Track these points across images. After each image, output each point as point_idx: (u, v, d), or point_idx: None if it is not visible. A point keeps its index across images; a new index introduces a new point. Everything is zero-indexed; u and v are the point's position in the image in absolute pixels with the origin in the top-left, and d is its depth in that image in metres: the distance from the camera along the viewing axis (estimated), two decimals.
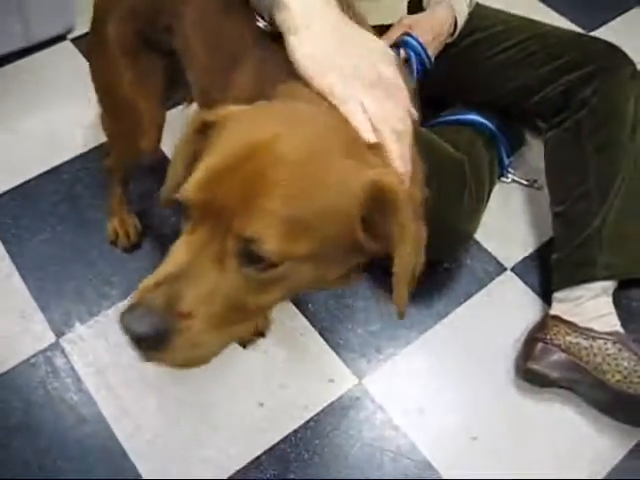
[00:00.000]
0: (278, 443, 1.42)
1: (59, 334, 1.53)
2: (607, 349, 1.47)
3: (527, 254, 1.74)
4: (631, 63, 1.63)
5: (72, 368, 1.48)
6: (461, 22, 1.64)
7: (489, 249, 1.74)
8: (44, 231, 1.67)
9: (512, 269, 1.71)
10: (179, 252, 0.76)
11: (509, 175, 1.86)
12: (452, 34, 1.64)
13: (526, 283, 1.69)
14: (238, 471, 1.38)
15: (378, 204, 0.78)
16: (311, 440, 1.43)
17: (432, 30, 1.53)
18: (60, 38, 2.01)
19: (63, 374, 1.47)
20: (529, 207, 1.82)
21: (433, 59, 1.54)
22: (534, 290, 1.68)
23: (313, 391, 1.50)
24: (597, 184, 1.57)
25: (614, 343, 1.47)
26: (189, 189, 0.75)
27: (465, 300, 1.65)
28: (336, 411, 1.48)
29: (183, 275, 0.73)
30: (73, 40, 2.03)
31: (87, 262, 1.64)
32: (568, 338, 1.50)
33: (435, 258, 1.57)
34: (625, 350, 1.46)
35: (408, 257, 0.79)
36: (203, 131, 0.83)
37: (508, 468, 1.42)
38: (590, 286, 1.53)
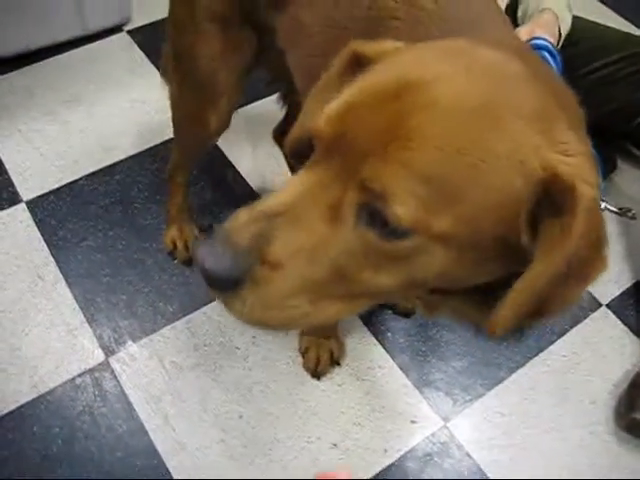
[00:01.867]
0: None
1: (109, 352, 1.36)
2: None
3: (623, 289, 1.58)
4: None
5: (122, 392, 1.31)
6: (564, 31, 1.50)
7: None
8: (94, 236, 1.51)
9: (607, 305, 1.55)
10: (289, 188, 0.61)
11: (601, 202, 1.69)
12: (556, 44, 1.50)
13: (623, 321, 1.52)
14: None
15: (551, 199, 0.58)
16: None
17: (551, 34, 1.38)
18: (116, 29, 1.87)
19: (112, 398, 1.30)
20: (623, 238, 1.66)
21: None
22: (632, 329, 1.51)
23: (393, 433, 1.32)
24: None
25: None
26: (321, 119, 0.62)
27: (558, 337, 1.48)
28: (419, 457, 1.30)
29: (284, 215, 0.60)
30: (129, 32, 1.89)
31: (141, 272, 1.47)
32: None
33: None
34: None
35: (544, 272, 0.58)
36: (352, 67, 0.69)
37: None
38: None
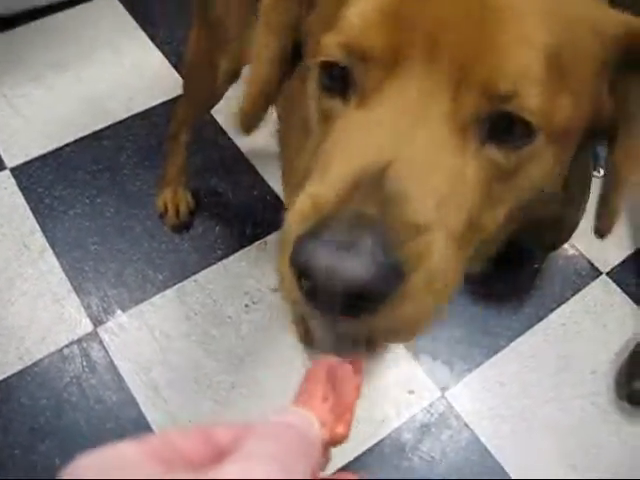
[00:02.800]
0: (351, 462, 1.22)
1: (97, 322, 1.32)
2: None
3: (624, 257, 1.54)
4: None
5: (111, 362, 1.27)
6: None
7: (582, 250, 1.54)
8: (81, 203, 1.46)
9: (608, 274, 1.52)
10: (363, 133, 0.46)
11: (600, 170, 1.66)
12: None
13: (624, 290, 1.49)
14: None
15: (633, 55, 0.52)
16: (388, 459, 1.23)
17: None
18: None
19: (101, 369, 1.27)
20: (624, 205, 1.62)
21: None
22: (633, 298, 1.48)
23: (391, 403, 1.29)
24: None
25: None
26: (361, 26, 0.46)
27: (557, 306, 1.45)
28: (416, 428, 1.28)
29: (399, 163, 0.44)
30: None
31: (130, 240, 1.43)
32: None
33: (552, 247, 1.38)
34: None
35: None
36: None
37: None
38: None
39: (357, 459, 1.22)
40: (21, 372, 1.26)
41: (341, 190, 0.43)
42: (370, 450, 1.23)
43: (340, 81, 0.49)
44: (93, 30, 1.74)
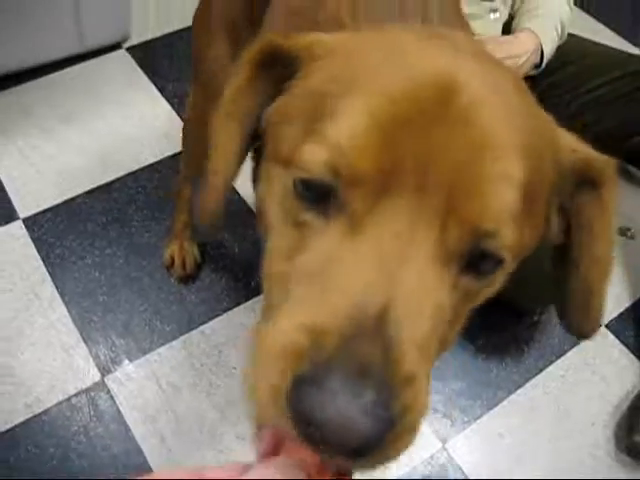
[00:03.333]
0: None
1: (105, 372, 1.34)
2: None
3: (622, 310, 1.57)
4: None
5: (118, 412, 1.30)
6: (548, 51, 1.51)
7: None
8: (91, 254, 1.49)
9: (606, 326, 1.54)
10: (355, 265, 0.45)
11: None
12: (539, 64, 1.52)
13: (622, 342, 1.52)
14: None
15: (582, 178, 0.56)
16: None
17: (502, 50, 1.41)
18: (115, 46, 1.86)
19: (108, 418, 1.29)
20: (622, 258, 1.65)
21: None
22: (631, 350, 1.50)
23: None
24: None
25: None
26: (351, 149, 0.46)
27: (557, 358, 1.47)
28: (418, 478, 1.29)
29: (397, 307, 0.44)
30: (128, 49, 1.88)
31: (138, 291, 1.46)
32: None
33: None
34: None
35: (608, 246, 0.58)
36: (266, 69, 0.56)
37: None
38: None
39: None
40: (29, 420, 1.27)
41: (341, 328, 0.43)
42: None
43: (319, 194, 0.48)
44: (103, 84, 1.80)
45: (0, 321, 1.39)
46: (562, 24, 1.57)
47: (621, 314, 1.56)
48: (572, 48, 1.64)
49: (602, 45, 1.69)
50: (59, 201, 1.57)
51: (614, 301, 1.58)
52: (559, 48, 1.59)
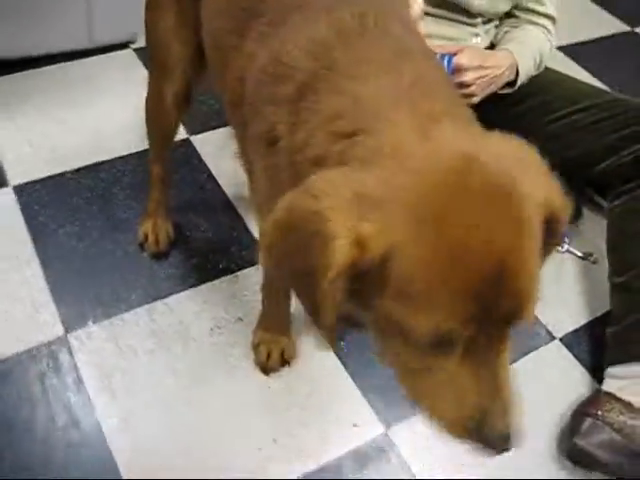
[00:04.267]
0: None
1: (68, 329, 1.40)
2: None
3: (578, 326, 1.62)
4: None
5: (75, 366, 1.35)
6: (523, 73, 1.61)
7: (538, 315, 1.61)
8: (72, 225, 1.58)
9: (561, 339, 1.58)
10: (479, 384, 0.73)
11: (564, 245, 1.76)
12: (513, 84, 1.62)
13: (575, 356, 1.55)
14: None
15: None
16: None
17: (478, 58, 1.51)
18: (123, 46, 1.99)
19: (64, 371, 1.34)
20: (583, 280, 1.71)
21: (478, 92, 1.54)
22: (583, 364, 1.54)
23: (334, 434, 1.34)
24: None
25: None
26: (455, 318, 0.67)
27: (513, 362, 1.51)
28: (357, 460, 1.32)
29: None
30: (135, 50, 2.01)
31: (111, 262, 1.53)
32: (622, 418, 1.35)
33: None
34: None
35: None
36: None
37: None
38: None
39: None
40: None
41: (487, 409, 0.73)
42: (310, 474, 1.28)
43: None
44: (105, 77, 1.93)
45: None
46: (541, 56, 1.67)
47: (576, 330, 1.60)
48: (546, 78, 1.74)
49: (572, 78, 1.79)
50: (48, 174, 1.67)
51: (571, 317, 1.63)
52: (535, 77, 1.69)
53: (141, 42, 2.01)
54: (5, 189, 1.63)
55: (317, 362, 1.44)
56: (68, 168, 1.69)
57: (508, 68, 1.58)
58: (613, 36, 2.65)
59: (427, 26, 1.54)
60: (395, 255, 0.66)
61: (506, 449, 0.76)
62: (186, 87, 1.31)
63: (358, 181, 0.67)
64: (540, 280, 0.70)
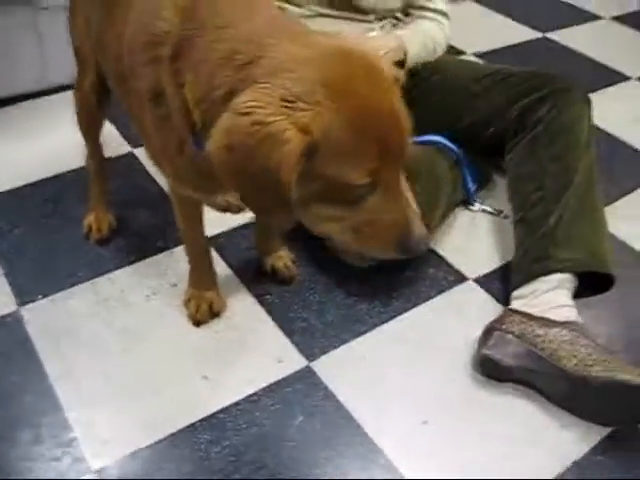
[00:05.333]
0: (216, 412, 1.39)
1: (20, 303, 1.58)
2: (563, 335, 1.43)
3: (491, 270, 1.76)
4: (583, 89, 1.75)
5: (27, 333, 1.51)
6: (413, 54, 1.80)
7: (453, 263, 1.76)
8: (30, 222, 1.80)
9: (475, 280, 1.72)
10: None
11: (476, 204, 1.92)
12: (402, 64, 1.79)
13: (488, 292, 1.68)
14: (171, 434, 1.34)
15: None
16: (251, 412, 1.39)
17: (363, 41, 1.63)
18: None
19: (14, 337, 1.50)
20: (495, 234, 1.86)
21: None
22: (496, 299, 1.67)
23: (260, 369, 1.47)
24: (552, 188, 1.62)
25: (570, 330, 1.44)
26: (374, 158, 0.92)
27: (423, 302, 1.65)
28: (282, 390, 1.44)
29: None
30: None
31: (60, 250, 1.72)
32: (523, 326, 1.47)
33: None
34: (582, 337, 1.42)
35: None
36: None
37: (458, 451, 1.35)
38: (545, 279, 1.53)
39: (222, 410, 1.39)
40: None
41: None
42: (236, 403, 1.40)
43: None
44: (64, 114, 1.94)
45: None
46: (434, 42, 1.87)
47: (490, 272, 1.75)
48: (446, 60, 1.95)
49: (471, 60, 2.00)
50: (7, 188, 1.91)
51: (485, 263, 1.77)
52: (436, 60, 1.90)
53: None
54: None
55: (244, 312, 1.59)
56: (24, 182, 1.92)
57: (394, 49, 1.77)
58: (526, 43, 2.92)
59: (324, 25, 1.79)
60: (329, 131, 0.87)
61: (424, 249, 1.00)
62: (99, 77, 1.51)
63: (274, 87, 0.87)
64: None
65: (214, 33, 1.00)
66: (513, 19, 3.12)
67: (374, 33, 1.85)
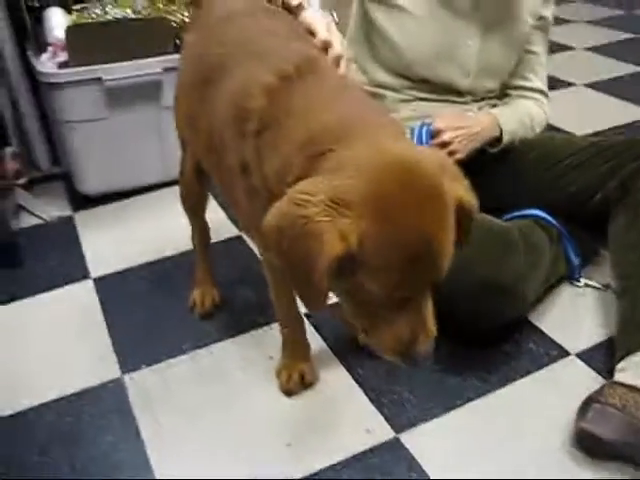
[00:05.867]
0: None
1: (124, 371, 1.68)
2: None
3: (595, 344, 1.67)
4: None
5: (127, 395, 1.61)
6: (508, 130, 1.84)
7: (555, 338, 1.68)
8: (138, 299, 1.93)
9: (577, 355, 1.63)
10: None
11: (581, 279, 1.84)
12: (496, 144, 1.84)
13: (591, 367, 1.59)
14: None
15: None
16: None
17: (454, 120, 1.75)
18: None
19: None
20: (601, 308, 1.78)
21: (460, 149, 1.74)
22: (600, 374, 1.57)
23: (347, 439, 1.46)
24: None
25: None
26: (401, 285, 0.98)
27: (522, 377, 1.58)
28: (367, 459, 1.41)
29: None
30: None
31: (166, 323, 1.83)
32: (625, 397, 1.38)
33: (479, 310, 1.56)
34: None
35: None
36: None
37: None
38: None
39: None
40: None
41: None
42: (317, 472, 1.39)
43: None
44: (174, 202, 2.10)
45: None
46: (531, 119, 1.90)
47: (593, 346, 1.66)
48: (542, 137, 1.95)
49: (562, 133, 1.97)
50: (124, 267, 2.07)
51: (588, 337, 1.69)
52: (533, 138, 1.91)
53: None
54: (88, 280, 2.04)
55: (336, 384, 1.60)
56: (141, 262, 2.09)
57: (488, 125, 1.81)
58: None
59: (424, 110, 1.86)
60: (364, 243, 0.92)
61: (425, 363, 1.10)
62: (198, 161, 1.63)
63: (330, 187, 0.93)
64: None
65: (297, 117, 1.08)
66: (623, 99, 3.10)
67: (471, 114, 1.89)
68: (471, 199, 1.01)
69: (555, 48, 3.54)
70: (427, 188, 0.93)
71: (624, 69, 3.51)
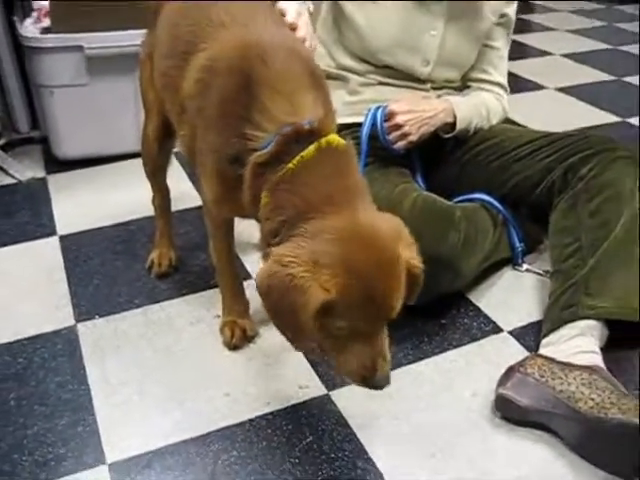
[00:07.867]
0: (231, 426, 1.46)
1: (78, 320, 1.76)
2: (582, 379, 1.41)
3: (527, 323, 1.75)
4: (628, 151, 1.76)
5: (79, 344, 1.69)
6: (461, 117, 1.90)
7: (491, 315, 1.76)
8: (99, 257, 2.02)
9: (510, 332, 1.71)
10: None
11: (523, 265, 1.93)
12: (450, 130, 1.92)
13: (522, 344, 1.67)
14: (184, 441, 1.43)
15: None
16: (264, 429, 1.45)
17: (408, 103, 1.82)
18: None
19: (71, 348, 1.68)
20: (539, 292, 1.86)
21: (413, 131, 1.81)
22: (530, 351, 1.64)
23: (281, 392, 1.54)
24: (589, 241, 1.64)
25: (590, 374, 1.41)
26: (367, 321, 1.17)
27: (454, 348, 1.66)
28: (297, 412, 1.49)
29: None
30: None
31: (122, 280, 1.91)
32: (544, 368, 1.46)
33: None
34: (601, 380, 1.39)
35: None
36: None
37: None
38: (573, 325, 1.53)
39: (237, 425, 1.46)
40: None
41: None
42: (251, 420, 1.47)
43: None
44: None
45: None
46: (488, 110, 1.97)
47: (527, 325, 1.74)
48: (499, 127, 2.02)
49: (520, 126, 2.04)
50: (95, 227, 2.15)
51: (523, 316, 1.78)
52: (488, 129, 1.99)
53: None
54: (54, 238, 2.12)
55: (275, 339, 1.65)
56: (111, 223, 2.19)
57: (442, 111, 1.87)
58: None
59: (383, 93, 1.94)
60: (340, 293, 1.11)
61: (385, 386, 1.21)
62: (162, 123, 1.73)
63: (310, 252, 1.13)
64: None
65: (300, 183, 1.23)
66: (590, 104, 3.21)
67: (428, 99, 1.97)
68: (419, 264, 1.23)
69: (535, 53, 3.68)
70: (386, 252, 1.15)
71: (596, 76, 3.66)
